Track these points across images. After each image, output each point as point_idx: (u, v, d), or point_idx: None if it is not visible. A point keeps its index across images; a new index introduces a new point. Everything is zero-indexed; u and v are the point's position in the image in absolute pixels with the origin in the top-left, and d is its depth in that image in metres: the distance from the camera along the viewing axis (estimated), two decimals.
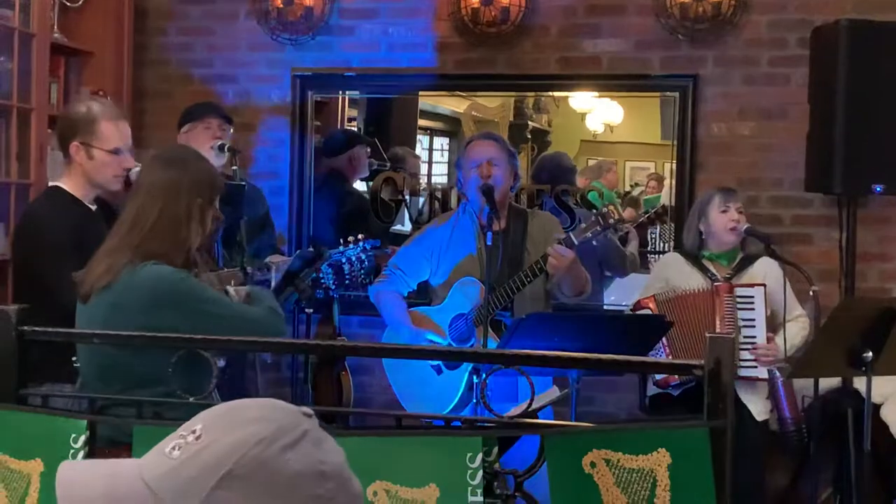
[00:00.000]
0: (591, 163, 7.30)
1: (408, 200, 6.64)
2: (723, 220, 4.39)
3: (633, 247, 5.49)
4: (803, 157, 4.77)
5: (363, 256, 4.24)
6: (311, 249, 4.24)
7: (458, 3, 5.26)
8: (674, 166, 5.25)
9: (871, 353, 3.64)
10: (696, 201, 4.65)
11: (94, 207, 3.61)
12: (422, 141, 7.06)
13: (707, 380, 1.98)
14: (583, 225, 3.95)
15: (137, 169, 3.58)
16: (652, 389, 4.42)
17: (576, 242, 3.89)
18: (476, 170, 4.14)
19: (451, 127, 6.44)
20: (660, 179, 7.20)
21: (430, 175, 7.39)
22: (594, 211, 3.93)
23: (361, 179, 6.41)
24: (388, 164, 6.88)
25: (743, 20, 5.04)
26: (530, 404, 2.26)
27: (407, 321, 4.22)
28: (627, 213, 5.84)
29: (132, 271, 2.74)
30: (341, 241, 4.31)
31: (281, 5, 5.41)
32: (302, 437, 1.17)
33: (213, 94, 5.53)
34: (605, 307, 5.40)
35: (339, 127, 6.80)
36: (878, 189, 4.47)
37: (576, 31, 5.23)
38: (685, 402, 4.29)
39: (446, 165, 7.25)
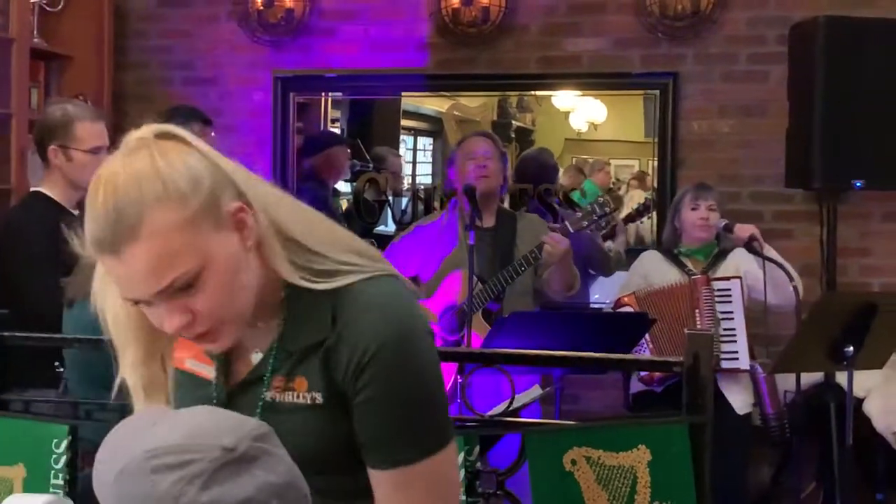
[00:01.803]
0: (575, 161, 7.33)
1: (391, 201, 6.65)
2: (692, 218, 4.43)
3: (619, 243, 5.51)
4: (783, 153, 4.80)
5: None
6: None
7: (438, 3, 5.27)
8: (656, 164, 5.27)
9: (852, 348, 3.66)
10: (675, 197, 4.68)
11: (76, 212, 3.60)
12: (405, 141, 7.05)
13: (686, 376, 2.00)
14: (578, 214, 3.97)
15: None
16: (636, 387, 4.44)
17: (571, 230, 3.92)
18: (470, 162, 4.17)
19: (434, 127, 6.45)
20: (642, 178, 7.23)
21: (414, 175, 7.39)
22: (591, 202, 3.96)
23: (344, 181, 6.42)
24: (371, 165, 6.88)
25: (722, 17, 5.06)
26: (511, 403, 2.27)
27: None
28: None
29: None
30: None
31: (261, 7, 5.40)
32: (181, 464, 1.16)
33: (193, 97, 5.52)
34: (590, 305, 5.42)
35: (321, 128, 6.80)
36: (858, 184, 4.49)
37: (556, 30, 5.25)
38: (669, 398, 4.30)
39: (430, 165, 7.27)
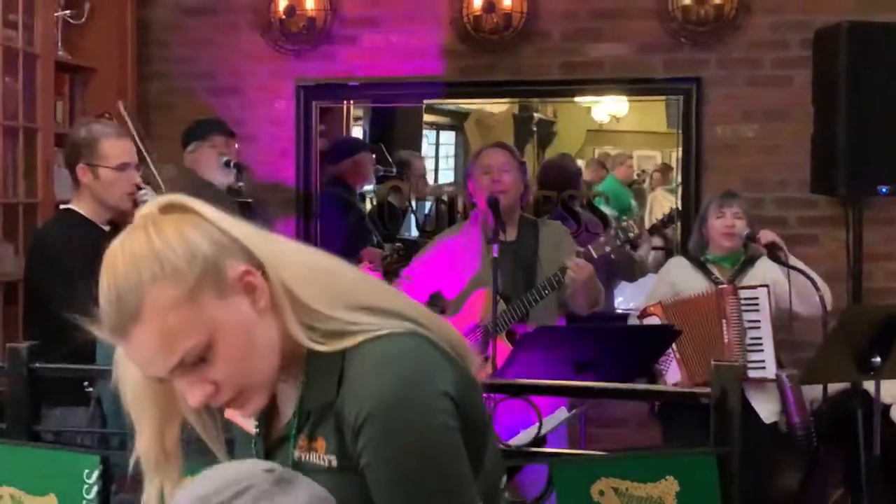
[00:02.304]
0: (598, 154, 7.31)
1: (414, 207, 6.66)
2: (718, 226, 4.41)
3: (644, 250, 5.52)
4: (808, 158, 4.78)
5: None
6: None
7: (459, 10, 5.27)
8: (680, 154, 5.24)
9: (879, 358, 3.65)
10: (702, 205, 4.66)
11: (107, 228, 3.63)
12: (428, 136, 7.06)
13: (713, 407, 2.00)
14: (602, 239, 3.96)
15: (146, 190, 3.61)
16: None
17: (594, 256, 3.91)
18: (485, 178, 4.16)
19: (456, 122, 6.44)
20: (665, 171, 7.20)
21: (436, 170, 7.41)
22: (614, 224, 3.95)
23: (369, 187, 6.43)
24: (395, 170, 6.90)
25: (745, 22, 5.04)
26: (539, 432, 2.28)
27: None
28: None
29: None
30: None
31: (283, 16, 5.42)
32: (240, 492, 1.30)
33: (216, 106, 5.54)
34: (615, 311, 5.42)
35: (344, 132, 6.82)
36: (884, 190, 4.48)
37: (578, 36, 5.24)
38: (695, 409, 4.29)
39: (453, 160, 7.27)
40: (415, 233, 6.72)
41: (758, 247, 4.35)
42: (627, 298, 5.83)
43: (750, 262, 4.42)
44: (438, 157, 7.39)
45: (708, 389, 2.01)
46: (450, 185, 7.38)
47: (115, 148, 3.58)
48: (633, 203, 7.41)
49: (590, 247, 3.93)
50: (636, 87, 5.24)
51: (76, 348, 2.83)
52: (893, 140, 4.45)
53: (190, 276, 1.40)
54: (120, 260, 1.42)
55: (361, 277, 1.58)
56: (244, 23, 5.55)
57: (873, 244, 4.90)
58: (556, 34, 5.26)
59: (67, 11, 4.95)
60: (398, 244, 6.11)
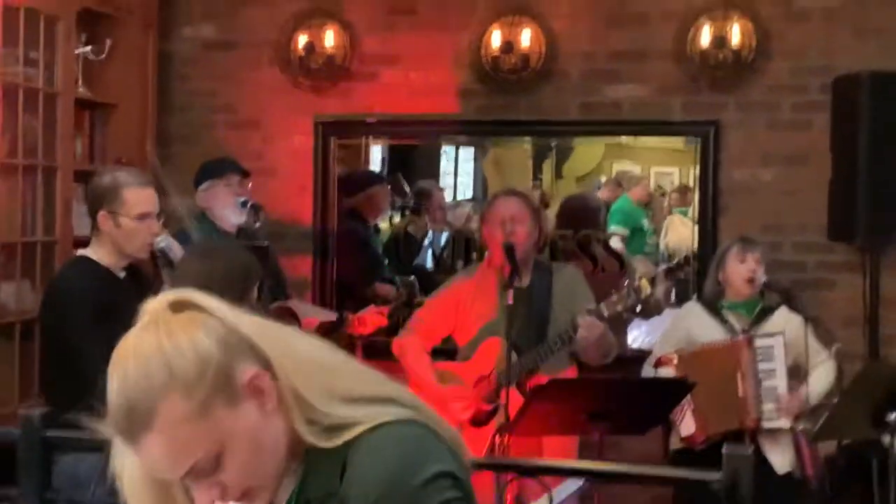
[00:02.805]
0: (615, 168, 7.31)
1: (431, 239, 6.67)
2: (740, 271, 4.38)
3: (658, 291, 5.49)
4: (826, 202, 4.77)
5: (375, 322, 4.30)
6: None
7: (477, 50, 5.27)
8: (698, 172, 5.22)
9: (894, 416, 3.63)
10: (718, 249, 4.64)
11: (122, 275, 3.64)
12: (447, 152, 7.09)
13: (724, 496, 1.99)
14: (614, 297, 3.93)
15: (163, 236, 3.63)
16: (675, 443, 4.42)
17: (605, 315, 3.90)
18: (500, 226, 4.16)
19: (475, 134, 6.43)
20: (684, 192, 7.19)
21: (455, 186, 7.43)
22: (626, 282, 3.92)
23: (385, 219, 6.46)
24: (412, 201, 6.92)
25: (764, 66, 5.03)
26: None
27: (431, 377, 4.23)
28: (643, 267, 5.85)
29: None
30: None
31: (303, 53, 5.44)
32: None
33: (236, 140, 5.57)
34: (627, 349, 5.40)
35: (363, 162, 6.84)
36: None
37: (596, 77, 5.24)
38: (709, 456, 4.28)
39: (471, 176, 7.28)
40: (431, 264, 6.74)
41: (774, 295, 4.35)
42: (641, 336, 5.83)
43: (768, 311, 4.40)
44: (457, 173, 7.41)
45: (719, 476, 2.00)
46: (469, 200, 7.40)
47: (138, 197, 3.58)
48: (646, 222, 7.42)
49: (601, 305, 3.92)
50: (654, 128, 5.23)
51: (92, 401, 2.87)
52: None
53: (201, 389, 1.41)
54: (131, 365, 1.43)
55: (356, 367, 1.59)
56: (264, 58, 5.58)
57: (891, 290, 4.88)
58: (575, 75, 5.26)
59: (88, 48, 4.97)
60: (411, 277, 6.14)
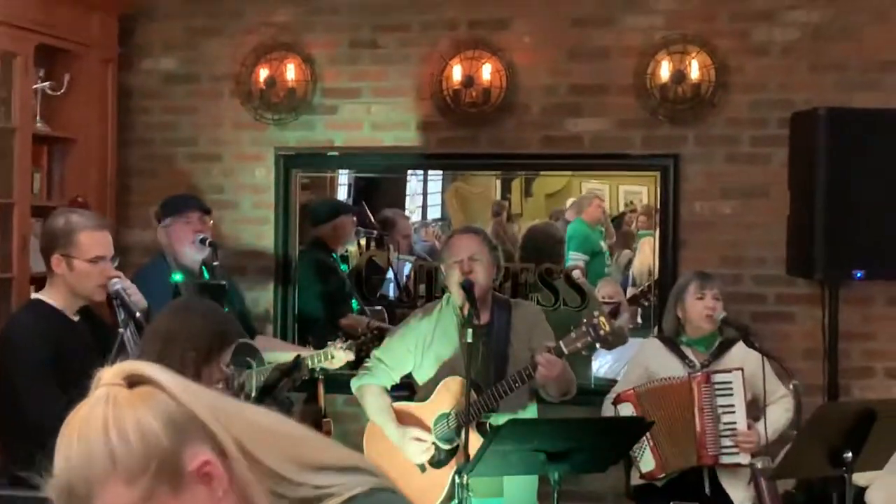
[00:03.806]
0: (584, 187, 7.31)
1: (395, 269, 6.64)
2: (698, 308, 4.41)
3: (623, 319, 5.51)
4: (785, 236, 4.80)
5: (341, 357, 4.28)
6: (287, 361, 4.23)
7: (439, 84, 5.28)
8: (659, 204, 5.24)
9: (851, 454, 3.64)
10: (675, 285, 4.66)
11: (76, 318, 3.61)
12: (416, 174, 7.07)
13: None
14: (573, 334, 3.94)
15: (118, 279, 3.60)
16: (636, 479, 4.42)
17: (565, 352, 3.91)
18: (457, 265, 4.15)
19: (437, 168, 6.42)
20: (649, 213, 7.20)
21: (424, 207, 7.41)
22: (584, 321, 3.93)
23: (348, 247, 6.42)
24: (376, 231, 6.89)
25: (723, 100, 5.06)
26: None
27: (391, 418, 4.22)
28: (610, 289, 5.86)
29: None
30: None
31: (264, 86, 5.43)
32: None
33: (197, 173, 5.56)
34: (593, 382, 5.40)
35: (329, 191, 6.81)
36: (859, 275, 4.49)
37: (557, 110, 5.25)
38: (669, 492, 4.30)
39: (440, 195, 7.26)
40: (394, 294, 6.71)
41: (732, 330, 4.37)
42: (607, 365, 5.83)
43: (726, 346, 4.42)
44: (426, 193, 7.39)
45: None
46: (438, 220, 7.39)
47: (92, 240, 3.56)
48: (603, 244, 7.42)
49: (560, 343, 3.92)
50: (615, 161, 5.25)
51: (44, 452, 2.84)
52: (869, 225, 4.47)
53: (145, 478, 1.37)
54: (74, 446, 1.38)
55: (319, 437, 1.57)
56: (225, 91, 5.56)
57: (850, 323, 4.90)
58: (536, 108, 5.27)
59: (47, 83, 4.94)
60: (378, 308, 6.12)
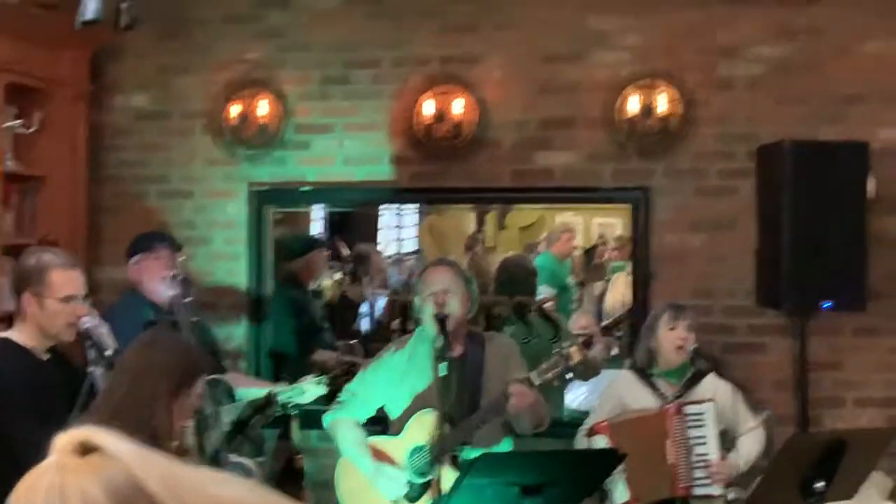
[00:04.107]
0: (557, 219, 7.36)
1: (370, 304, 6.66)
2: (670, 338, 4.43)
3: (596, 350, 5.54)
4: (753, 268, 4.85)
5: (311, 393, 4.29)
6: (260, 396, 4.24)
7: (410, 119, 5.32)
8: (630, 237, 5.28)
9: (822, 483, 3.66)
10: (649, 316, 4.69)
11: (45, 358, 3.60)
12: (391, 208, 7.09)
13: None
14: (544, 365, 3.95)
15: (89, 318, 3.59)
16: None
17: (536, 384, 3.92)
18: (431, 298, 4.16)
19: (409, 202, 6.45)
20: (622, 247, 7.25)
21: (399, 241, 7.43)
22: (556, 350, 3.96)
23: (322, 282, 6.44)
24: (350, 265, 6.92)
25: (691, 133, 5.13)
26: None
27: (365, 452, 4.21)
28: (584, 320, 5.90)
29: None
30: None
31: (236, 122, 5.45)
32: None
33: (169, 210, 5.56)
34: (567, 414, 5.43)
35: (302, 226, 6.84)
36: (828, 305, 4.54)
37: (528, 145, 5.30)
38: None
39: (414, 229, 7.30)
40: (369, 328, 6.73)
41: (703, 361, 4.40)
42: (581, 397, 5.86)
43: (697, 378, 4.45)
44: (401, 226, 7.42)
45: None
46: (413, 253, 7.41)
47: (64, 278, 3.56)
48: (570, 280, 7.46)
49: (531, 374, 3.94)
50: (585, 195, 5.30)
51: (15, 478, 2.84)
52: (836, 256, 4.53)
53: None
54: None
55: None
56: (197, 127, 5.58)
57: (820, 354, 4.95)
58: (507, 142, 5.32)
59: (18, 122, 4.94)
60: (353, 342, 6.13)
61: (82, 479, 1.38)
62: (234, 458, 3.71)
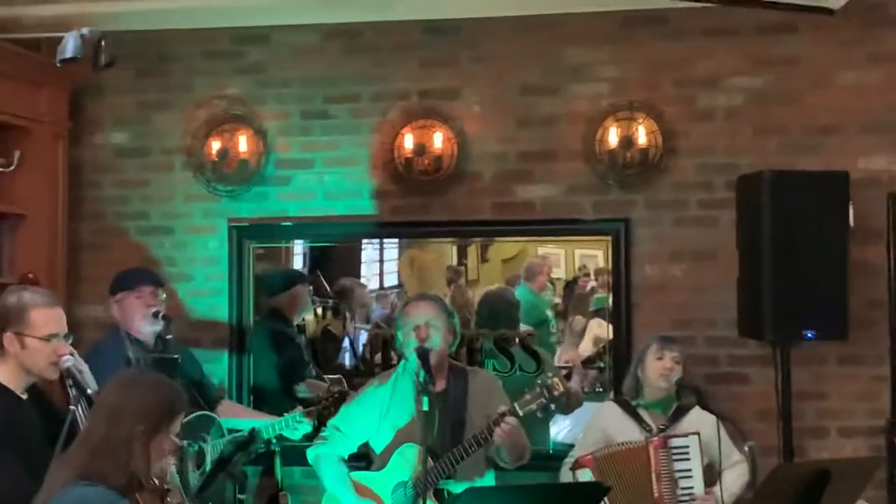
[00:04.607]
0: (540, 251, 7.33)
1: (352, 336, 6.62)
2: (656, 367, 4.47)
3: (575, 382, 5.52)
4: (735, 297, 4.85)
5: (298, 427, 4.26)
6: (242, 433, 4.20)
7: (391, 152, 5.33)
8: (610, 268, 5.29)
9: None
10: (639, 348, 4.70)
11: (24, 397, 3.57)
12: (373, 243, 7.06)
13: None
14: (527, 396, 3.97)
15: (70, 357, 3.56)
16: None
17: (520, 414, 3.92)
18: (413, 332, 4.17)
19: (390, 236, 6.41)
20: (603, 276, 7.22)
21: (381, 274, 7.39)
22: (539, 382, 3.97)
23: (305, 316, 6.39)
24: (332, 300, 6.88)
25: (670, 164, 5.15)
26: None
27: (349, 489, 4.19)
28: (569, 354, 5.88)
29: (68, 491, 2.74)
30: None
31: (216, 158, 5.44)
32: None
33: (149, 246, 5.54)
34: (551, 446, 5.39)
35: (283, 261, 6.79)
36: (810, 335, 4.55)
37: (508, 177, 5.31)
38: None
39: (395, 263, 7.26)
40: (351, 363, 6.69)
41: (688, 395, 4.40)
42: (564, 430, 5.83)
43: (683, 411, 4.45)
44: (383, 260, 7.39)
45: None
46: (396, 287, 7.38)
47: (45, 317, 3.53)
48: (549, 313, 7.44)
49: (515, 405, 3.95)
50: (566, 227, 5.30)
51: None
52: (817, 285, 4.54)
53: None
54: None
55: None
56: (177, 163, 5.58)
57: (803, 383, 4.94)
58: (487, 175, 5.33)
59: None
60: (338, 376, 6.09)
61: None
62: None
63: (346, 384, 5.88)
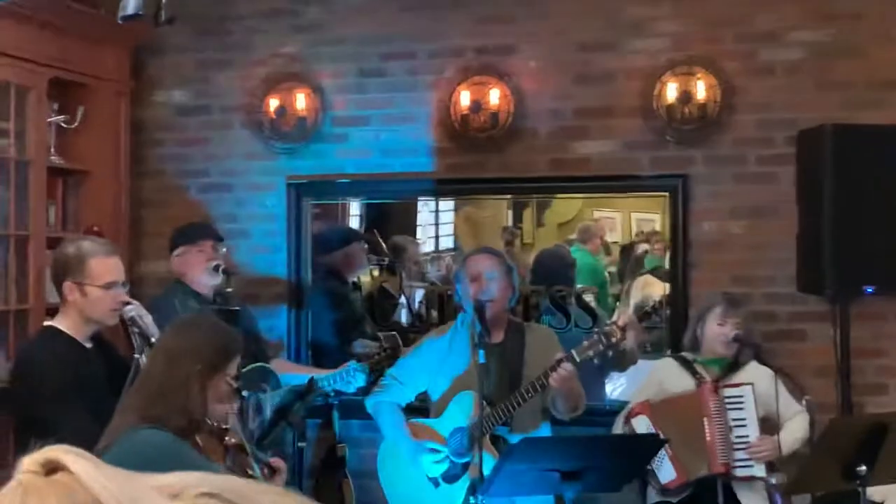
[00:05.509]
0: (596, 215, 7.33)
1: (408, 298, 6.68)
2: (716, 332, 4.44)
3: (631, 339, 5.52)
4: (795, 254, 4.81)
5: (353, 379, 4.31)
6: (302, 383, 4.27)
7: (447, 109, 5.33)
8: (668, 225, 5.27)
9: (864, 467, 3.64)
10: (702, 304, 4.68)
11: (89, 346, 3.65)
12: (428, 204, 7.10)
13: None
14: (585, 343, 3.99)
15: (133, 306, 3.64)
16: (652, 497, 4.43)
17: (578, 360, 3.94)
18: (473, 284, 4.20)
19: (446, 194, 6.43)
20: (660, 239, 7.21)
21: (437, 236, 7.44)
22: (596, 329, 3.98)
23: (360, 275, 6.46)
24: (388, 258, 6.94)
25: (730, 120, 5.09)
26: None
27: (406, 433, 4.26)
28: (623, 317, 5.88)
29: (130, 435, 2.79)
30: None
31: (274, 116, 5.49)
32: None
33: (209, 203, 5.61)
34: (607, 403, 5.41)
35: (340, 219, 6.86)
36: (870, 290, 4.51)
37: (564, 134, 5.29)
38: None
39: (451, 226, 7.30)
40: (406, 320, 6.75)
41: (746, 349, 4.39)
42: (618, 389, 5.84)
43: (737, 365, 4.44)
44: (438, 223, 7.42)
45: None
46: (450, 250, 7.42)
47: (103, 266, 3.61)
48: (606, 275, 7.43)
49: (573, 351, 3.96)
50: (623, 183, 5.28)
51: None
52: (878, 240, 4.49)
53: None
54: None
55: None
56: (236, 121, 5.63)
57: (863, 340, 4.90)
58: (543, 132, 5.31)
59: (61, 117, 5.01)
60: (393, 333, 6.15)
61: (44, 498, 1.35)
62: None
63: (400, 340, 5.95)
